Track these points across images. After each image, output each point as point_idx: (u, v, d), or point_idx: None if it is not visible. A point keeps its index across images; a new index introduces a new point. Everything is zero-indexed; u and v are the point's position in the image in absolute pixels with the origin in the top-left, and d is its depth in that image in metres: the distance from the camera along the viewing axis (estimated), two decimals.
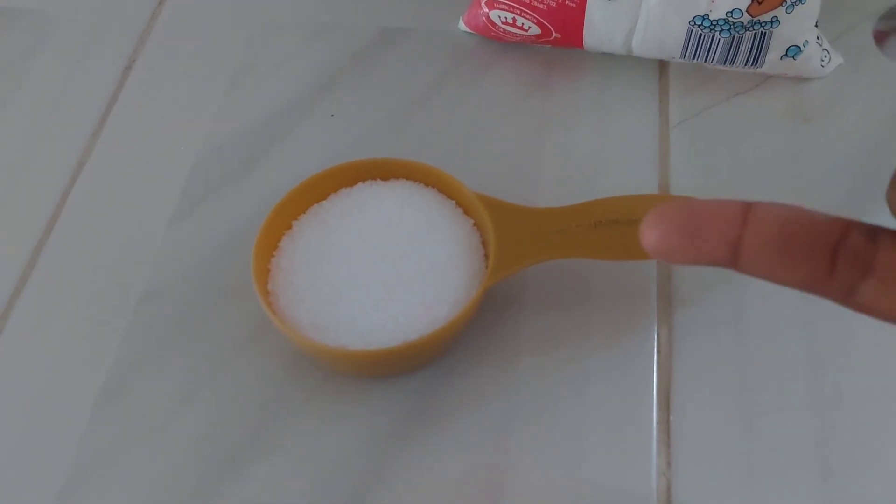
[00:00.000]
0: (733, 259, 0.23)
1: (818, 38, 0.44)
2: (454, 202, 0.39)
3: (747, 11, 0.41)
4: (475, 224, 0.39)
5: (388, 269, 0.37)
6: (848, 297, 0.22)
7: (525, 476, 0.35)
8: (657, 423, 0.36)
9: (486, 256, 0.38)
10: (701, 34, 0.43)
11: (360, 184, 0.40)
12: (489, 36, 0.48)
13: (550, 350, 0.38)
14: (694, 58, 0.44)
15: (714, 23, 0.42)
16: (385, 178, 0.40)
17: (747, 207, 0.23)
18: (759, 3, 0.41)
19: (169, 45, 0.50)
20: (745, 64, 0.44)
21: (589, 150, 0.44)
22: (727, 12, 0.41)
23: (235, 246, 0.41)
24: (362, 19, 0.50)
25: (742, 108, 0.45)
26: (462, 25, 0.49)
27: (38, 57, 0.50)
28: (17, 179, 0.45)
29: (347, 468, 0.35)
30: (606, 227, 0.37)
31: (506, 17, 0.46)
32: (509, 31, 0.47)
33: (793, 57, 0.44)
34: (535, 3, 0.44)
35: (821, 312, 0.38)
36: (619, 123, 0.45)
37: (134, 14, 0.51)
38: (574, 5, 0.43)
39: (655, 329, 0.38)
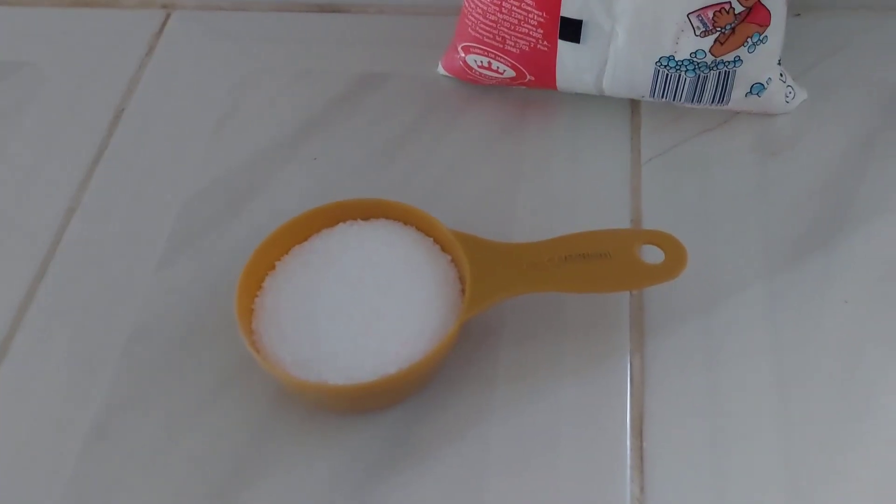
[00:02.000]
0: None
1: (781, 75, 0.46)
2: (432, 239, 0.41)
3: (710, 52, 0.43)
4: (452, 260, 0.40)
5: (369, 306, 0.38)
6: None
7: None
8: (630, 449, 0.37)
9: (463, 291, 0.39)
10: (667, 74, 0.44)
11: (340, 224, 0.41)
12: (466, 79, 0.50)
13: (526, 380, 0.39)
14: (662, 97, 0.46)
15: (679, 63, 0.44)
16: (365, 218, 0.41)
17: None
18: (722, 44, 0.43)
19: (157, 93, 0.52)
20: (712, 102, 0.46)
21: (563, 186, 0.46)
22: (691, 53, 0.43)
23: (221, 287, 0.42)
24: (342, 65, 0.52)
25: (711, 144, 0.47)
26: (440, 69, 0.51)
27: (30, 107, 0.51)
28: (8, 225, 0.46)
29: (331, 501, 0.36)
30: (577, 261, 0.38)
31: (481, 62, 0.48)
32: (485, 75, 0.48)
33: (757, 94, 0.46)
34: (509, 48, 0.46)
35: (788, 341, 0.39)
36: (593, 160, 0.47)
37: (122, 64, 0.53)
38: (546, 49, 0.45)
39: (628, 358, 0.39)
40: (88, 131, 0.50)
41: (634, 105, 0.49)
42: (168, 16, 0.56)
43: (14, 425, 0.39)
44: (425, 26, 0.54)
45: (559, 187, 0.46)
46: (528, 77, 0.47)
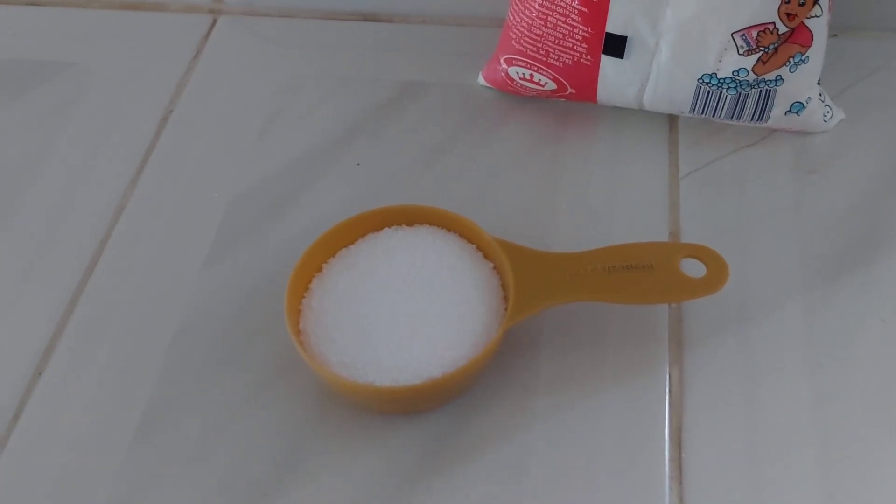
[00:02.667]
0: None
1: (821, 94, 0.47)
2: (475, 246, 0.42)
3: (753, 70, 0.44)
4: (494, 267, 0.41)
5: (413, 309, 0.39)
6: None
7: None
8: (669, 460, 0.37)
9: (506, 299, 0.40)
10: (709, 91, 0.45)
11: (386, 229, 0.42)
12: (506, 90, 0.51)
13: (566, 389, 0.39)
14: (702, 113, 0.47)
15: (721, 80, 0.44)
16: (410, 224, 0.42)
17: None
18: (764, 63, 0.43)
19: (203, 96, 0.53)
20: (752, 119, 0.46)
21: (602, 198, 0.46)
22: (734, 71, 0.44)
23: (265, 287, 0.43)
24: (385, 73, 0.53)
25: (748, 160, 0.47)
26: (481, 80, 0.52)
27: (79, 107, 0.52)
28: (59, 223, 0.47)
29: (371, 502, 0.37)
30: (620, 272, 0.39)
31: (523, 74, 0.48)
32: (526, 87, 0.49)
33: (796, 113, 0.46)
34: (552, 61, 0.47)
35: (826, 354, 0.40)
36: (631, 174, 0.47)
37: (170, 67, 0.54)
38: (589, 63, 0.46)
39: (667, 370, 0.40)
40: (137, 132, 0.51)
41: (672, 120, 0.50)
42: (215, 20, 0.57)
43: (62, 422, 0.40)
44: (466, 37, 0.55)
45: (598, 199, 0.47)
46: (570, 90, 0.48)
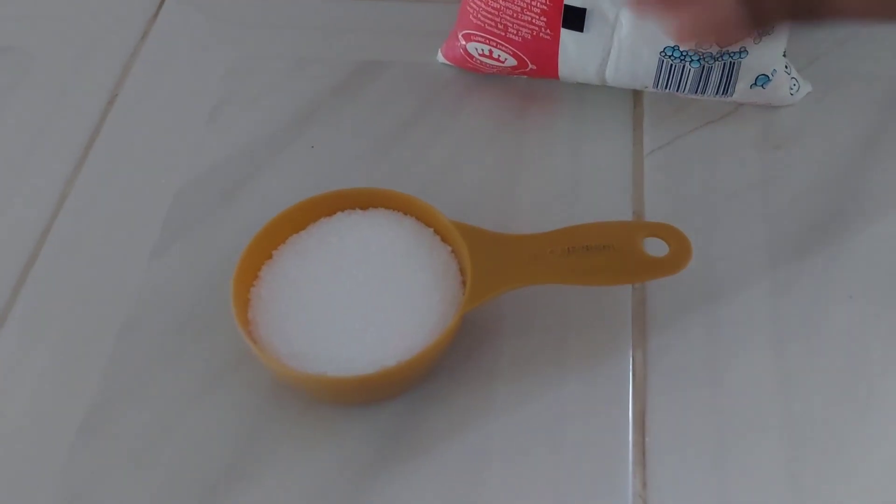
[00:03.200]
0: None
1: (786, 67, 0.46)
2: (432, 230, 0.40)
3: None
4: (453, 251, 0.39)
5: (367, 296, 0.37)
6: None
7: (502, 500, 0.35)
8: (633, 444, 0.36)
9: (464, 283, 0.38)
10: (672, 64, 0.44)
11: (339, 213, 0.41)
12: (466, 67, 0.49)
13: (527, 375, 0.38)
14: (666, 87, 0.45)
15: (684, 53, 0.43)
16: (364, 208, 0.41)
17: None
18: None
19: (150, 78, 0.51)
20: (716, 93, 0.45)
21: (565, 177, 0.45)
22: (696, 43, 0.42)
23: (216, 276, 0.41)
24: (341, 53, 0.51)
25: (714, 136, 0.46)
26: (440, 57, 0.50)
27: (20, 92, 0.50)
28: None
29: (327, 496, 0.36)
30: (579, 254, 0.37)
31: (482, 49, 0.47)
32: (486, 63, 0.48)
33: (762, 86, 0.45)
34: (511, 36, 0.45)
35: (792, 333, 0.39)
36: (595, 152, 0.46)
37: (116, 48, 0.52)
38: (548, 37, 0.44)
39: (630, 353, 0.39)
40: (81, 116, 0.49)
41: (637, 96, 0.48)
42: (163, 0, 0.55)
43: (5, 415, 0.38)
44: (425, 14, 0.53)
45: (560, 178, 0.45)
46: (530, 66, 0.47)
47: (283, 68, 0.51)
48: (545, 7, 0.43)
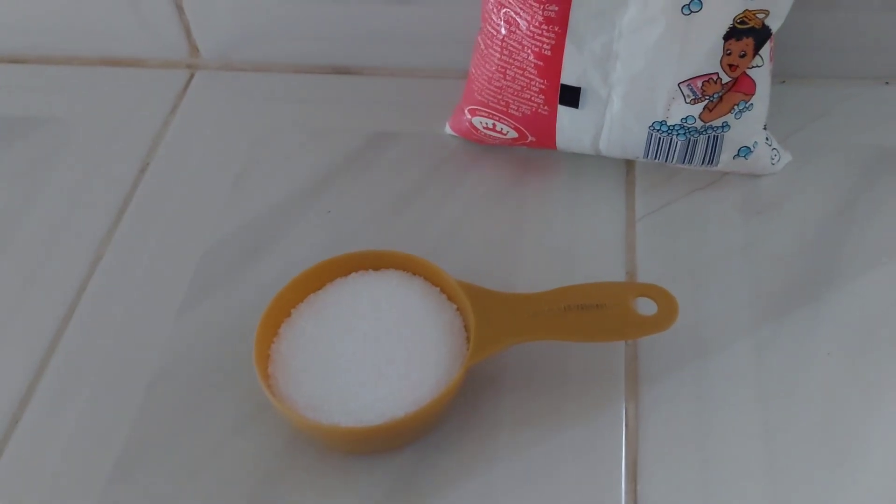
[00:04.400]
0: None
1: (767, 138, 0.49)
2: (439, 289, 0.43)
3: (700, 118, 0.46)
4: (458, 309, 0.43)
5: (378, 351, 0.40)
6: None
7: None
8: (625, 492, 0.39)
9: (468, 339, 0.41)
10: (660, 137, 0.47)
11: (353, 274, 0.44)
12: (471, 139, 0.53)
13: (528, 426, 0.41)
14: (655, 157, 0.49)
15: (671, 128, 0.47)
16: (376, 268, 0.44)
17: None
18: (710, 111, 0.46)
19: (180, 148, 0.55)
20: (702, 163, 0.49)
21: (562, 240, 0.49)
22: (682, 118, 0.46)
23: (238, 333, 0.45)
24: (355, 124, 0.55)
25: (701, 203, 0.50)
26: (448, 129, 0.54)
27: (59, 160, 0.54)
28: (38, 270, 0.49)
29: None
30: (575, 312, 0.41)
31: (487, 123, 0.51)
32: (490, 135, 0.51)
33: (744, 157, 0.48)
34: (512, 111, 0.49)
35: (776, 388, 0.41)
36: (590, 216, 0.49)
37: (148, 120, 0.56)
38: (547, 113, 0.48)
39: (623, 405, 0.41)
40: (115, 184, 0.53)
41: (629, 165, 0.52)
42: (192, 75, 0.59)
43: (38, 465, 0.41)
44: (433, 88, 0.57)
45: (558, 241, 0.49)
46: (530, 138, 0.50)
47: (302, 138, 0.55)
48: (543, 86, 0.47)
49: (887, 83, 0.55)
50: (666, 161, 0.49)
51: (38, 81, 0.60)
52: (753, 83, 0.45)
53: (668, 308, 0.40)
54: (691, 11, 0.42)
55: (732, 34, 0.43)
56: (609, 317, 0.41)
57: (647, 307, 0.41)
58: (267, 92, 0.58)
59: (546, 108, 0.48)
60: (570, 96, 0.47)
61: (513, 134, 0.51)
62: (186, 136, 0.56)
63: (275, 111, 0.57)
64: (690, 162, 0.49)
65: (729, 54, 0.44)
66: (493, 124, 0.51)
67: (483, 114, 0.50)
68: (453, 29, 0.55)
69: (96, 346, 0.45)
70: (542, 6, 0.44)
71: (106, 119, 0.57)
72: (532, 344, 0.41)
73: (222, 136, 0.55)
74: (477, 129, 0.52)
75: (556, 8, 0.44)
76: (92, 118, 0.57)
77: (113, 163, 0.54)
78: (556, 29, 0.45)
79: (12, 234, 0.50)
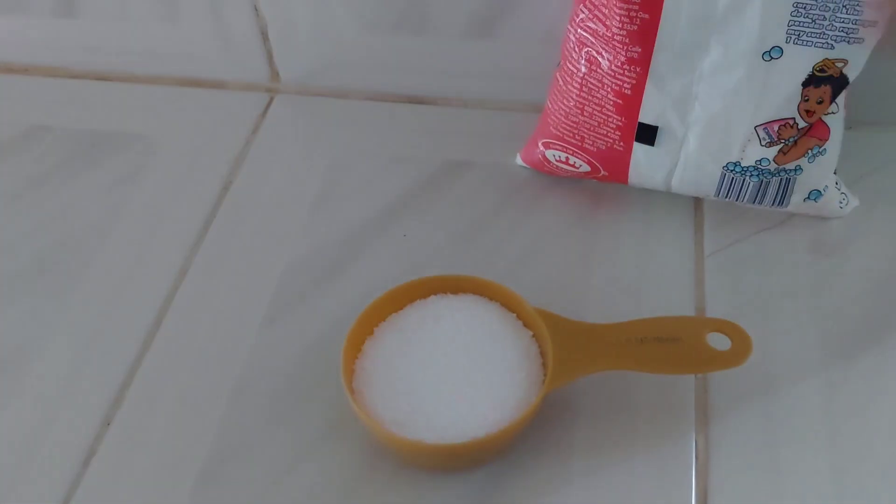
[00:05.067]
0: None
1: (837, 183, 0.50)
2: (515, 315, 0.45)
3: (774, 160, 0.47)
4: (534, 336, 0.44)
5: (458, 372, 0.42)
6: None
7: None
8: None
9: (544, 365, 0.43)
10: (733, 178, 0.49)
11: (433, 296, 0.45)
12: (543, 171, 0.55)
13: (600, 453, 0.42)
14: (726, 197, 0.50)
15: (745, 169, 0.48)
16: (455, 293, 0.46)
17: None
18: (785, 154, 0.47)
19: (261, 169, 0.57)
20: (772, 204, 0.50)
21: (632, 273, 0.50)
22: (756, 160, 0.47)
23: (318, 349, 0.46)
24: (431, 152, 0.57)
25: (769, 242, 0.51)
26: (519, 160, 0.56)
27: (146, 176, 0.57)
28: (126, 283, 0.51)
29: None
30: (650, 344, 0.42)
31: (560, 157, 0.52)
32: (562, 168, 0.53)
33: (814, 199, 0.50)
34: (587, 146, 0.51)
35: (843, 429, 0.42)
36: (659, 251, 0.51)
37: (230, 140, 0.59)
38: (622, 149, 0.50)
39: (694, 437, 0.42)
40: (198, 201, 0.55)
41: (697, 202, 0.53)
42: (272, 98, 0.62)
43: (127, 470, 0.43)
44: (504, 120, 0.59)
45: (629, 274, 0.50)
46: (602, 172, 0.52)
47: (379, 164, 0.57)
48: (621, 123, 0.49)
49: None
50: (737, 200, 0.50)
51: (126, 99, 0.63)
52: (828, 129, 0.47)
53: (741, 344, 0.42)
54: (772, 58, 0.44)
55: (811, 81, 0.44)
56: (684, 350, 0.42)
57: (720, 342, 0.42)
58: (344, 118, 0.60)
59: (622, 144, 0.49)
60: (648, 134, 0.48)
61: (585, 168, 0.52)
62: (266, 158, 0.58)
63: (352, 137, 0.59)
64: (761, 202, 0.50)
65: (807, 100, 0.45)
66: (567, 157, 0.52)
67: (557, 147, 0.52)
68: (526, 64, 0.57)
69: (182, 356, 0.47)
70: (625, 47, 0.46)
71: (189, 138, 0.59)
72: (606, 373, 0.43)
73: (301, 158, 0.58)
74: (549, 162, 0.53)
75: (640, 49, 0.46)
76: (176, 137, 0.59)
77: (196, 180, 0.56)
78: (638, 70, 0.46)
79: (103, 246, 0.53)
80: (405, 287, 0.45)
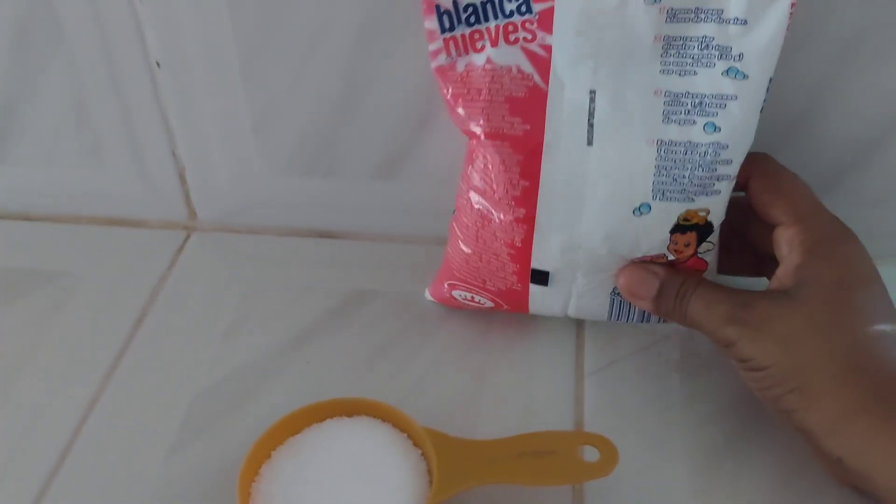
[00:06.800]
0: None
1: None
2: (406, 435, 0.48)
3: None
4: (423, 454, 0.47)
5: (350, 492, 0.45)
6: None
7: None
8: None
9: (431, 482, 0.46)
10: (620, 302, 0.53)
11: (328, 420, 0.49)
12: (451, 306, 0.59)
13: None
14: (618, 319, 0.55)
15: None
16: (349, 415, 0.49)
17: None
18: None
19: (175, 302, 0.60)
20: (658, 322, 0.55)
21: (519, 393, 0.54)
22: None
23: (224, 473, 0.48)
24: (337, 283, 0.61)
25: (643, 361, 0.55)
26: (428, 296, 0.60)
27: (65, 312, 0.59)
28: (35, 414, 0.53)
29: None
30: (528, 457, 0.45)
31: (466, 296, 0.57)
32: (468, 304, 0.57)
33: None
34: (489, 287, 0.55)
35: None
36: (544, 372, 0.55)
37: (147, 275, 0.62)
38: (520, 289, 0.54)
39: None
40: (113, 333, 0.58)
41: (579, 326, 0.58)
42: (188, 235, 0.66)
43: None
44: (408, 252, 0.64)
45: (516, 394, 0.54)
46: (506, 307, 0.56)
47: (288, 295, 0.60)
48: (516, 269, 0.53)
49: None
50: (626, 321, 0.55)
51: (50, 237, 0.66)
52: (705, 262, 0.52)
53: (609, 455, 0.45)
54: (641, 213, 0.49)
55: (678, 229, 0.49)
56: (559, 463, 0.45)
57: (592, 454, 0.46)
58: (258, 252, 0.65)
59: (519, 285, 0.54)
60: (541, 277, 0.53)
61: (489, 304, 0.56)
62: (181, 291, 0.61)
63: (265, 270, 0.63)
64: (648, 321, 0.55)
65: (675, 244, 0.50)
66: (472, 297, 0.56)
67: (462, 287, 0.56)
68: (428, 203, 0.61)
69: (89, 486, 0.49)
70: (511, 209, 0.51)
71: (110, 274, 0.62)
72: (491, 486, 0.46)
73: (215, 291, 0.61)
74: (456, 300, 0.58)
75: (524, 210, 0.50)
76: (97, 273, 0.63)
77: (112, 314, 0.59)
78: (525, 226, 0.51)
79: (13, 382, 0.55)
80: (303, 411, 0.48)
